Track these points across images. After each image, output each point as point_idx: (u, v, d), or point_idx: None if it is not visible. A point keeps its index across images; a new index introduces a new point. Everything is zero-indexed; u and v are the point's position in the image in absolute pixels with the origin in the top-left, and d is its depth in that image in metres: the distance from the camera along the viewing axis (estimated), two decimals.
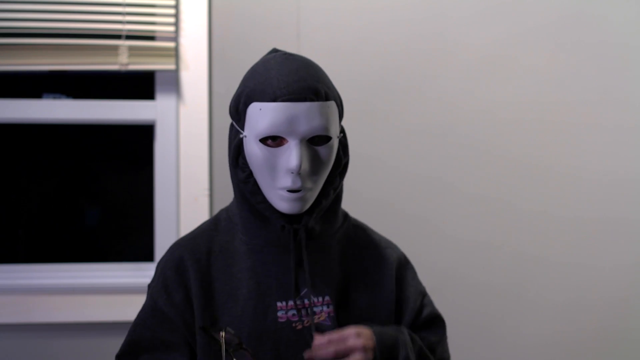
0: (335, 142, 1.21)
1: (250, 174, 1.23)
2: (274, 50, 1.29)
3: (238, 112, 1.21)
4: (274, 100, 1.15)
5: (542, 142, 2.25)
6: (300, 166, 1.15)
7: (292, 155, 1.15)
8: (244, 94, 1.20)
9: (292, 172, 1.16)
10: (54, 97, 2.26)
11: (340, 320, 1.25)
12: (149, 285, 1.30)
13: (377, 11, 2.21)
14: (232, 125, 1.26)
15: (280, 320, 1.23)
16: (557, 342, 2.24)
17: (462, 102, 2.23)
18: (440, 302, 1.39)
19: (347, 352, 1.15)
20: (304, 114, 1.15)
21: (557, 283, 2.25)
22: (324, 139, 1.19)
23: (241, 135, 1.21)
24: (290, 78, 1.17)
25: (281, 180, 1.17)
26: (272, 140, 1.17)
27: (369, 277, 1.29)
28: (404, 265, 1.35)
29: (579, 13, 2.27)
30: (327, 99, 1.18)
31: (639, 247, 2.28)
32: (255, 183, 1.23)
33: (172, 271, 1.26)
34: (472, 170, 2.23)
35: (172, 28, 2.12)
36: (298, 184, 1.17)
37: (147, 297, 1.28)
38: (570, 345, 2.25)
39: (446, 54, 2.23)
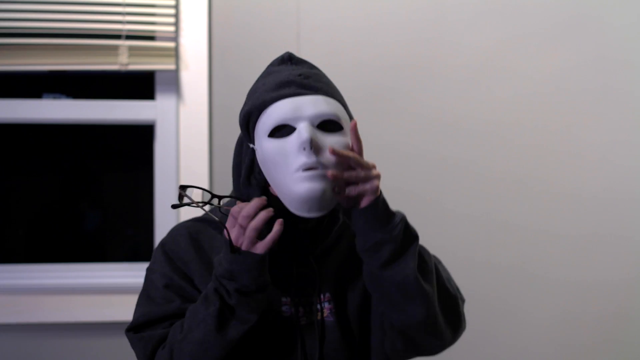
0: (348, 139, 1.17)
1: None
2: (289, 57, 1.24)
3: (248, 131, 1.20)
4: (276, 99, 1.14)
5: (538, 159, 2.24)
6: (311, 139, 1.11)
7: (301, 131, 1.12)
8: (245, 111, 1.18)
9: (305, 148, 1.11)
10: (54, 97, 2.26)
11: (339, 316, 1.25)
12: (150, 269, 1.29)
13: (376, 12, 2.21)
14: (239, 142, 1.24)
15: (284, 315, 1.23)
16: (552, 358, 2.23)
17: (461, 105, 2.22)
18: None
19: (367, 177, 1.15)
20: (309, 102, 1.14)
21: (552, 299, 2.23)
22: (335, 126, 1.16)
23: (252, 146, 1.18)
24: (292, 77, 1.16)
25: (295, 161, 1.12)
26: (281, 131, 1.14)
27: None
28: None
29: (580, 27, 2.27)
30: (333, 98, 1.17)
31: (633, 262, 2.27)
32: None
33: (172, 262, 1.26)
34: (467, 187, 2.21)
35: (172, 28, 2.12)
36: (313, 159, 1.11)
37: (154, 276, 1.27)
38: None
39: (446, 53, 2.22)
